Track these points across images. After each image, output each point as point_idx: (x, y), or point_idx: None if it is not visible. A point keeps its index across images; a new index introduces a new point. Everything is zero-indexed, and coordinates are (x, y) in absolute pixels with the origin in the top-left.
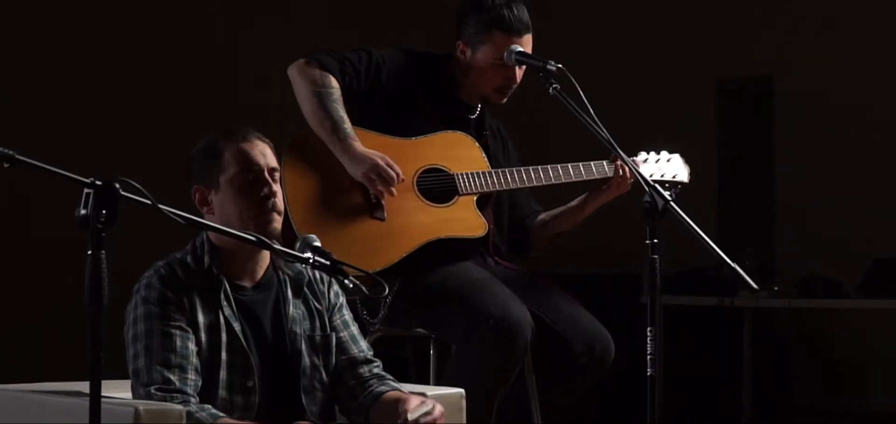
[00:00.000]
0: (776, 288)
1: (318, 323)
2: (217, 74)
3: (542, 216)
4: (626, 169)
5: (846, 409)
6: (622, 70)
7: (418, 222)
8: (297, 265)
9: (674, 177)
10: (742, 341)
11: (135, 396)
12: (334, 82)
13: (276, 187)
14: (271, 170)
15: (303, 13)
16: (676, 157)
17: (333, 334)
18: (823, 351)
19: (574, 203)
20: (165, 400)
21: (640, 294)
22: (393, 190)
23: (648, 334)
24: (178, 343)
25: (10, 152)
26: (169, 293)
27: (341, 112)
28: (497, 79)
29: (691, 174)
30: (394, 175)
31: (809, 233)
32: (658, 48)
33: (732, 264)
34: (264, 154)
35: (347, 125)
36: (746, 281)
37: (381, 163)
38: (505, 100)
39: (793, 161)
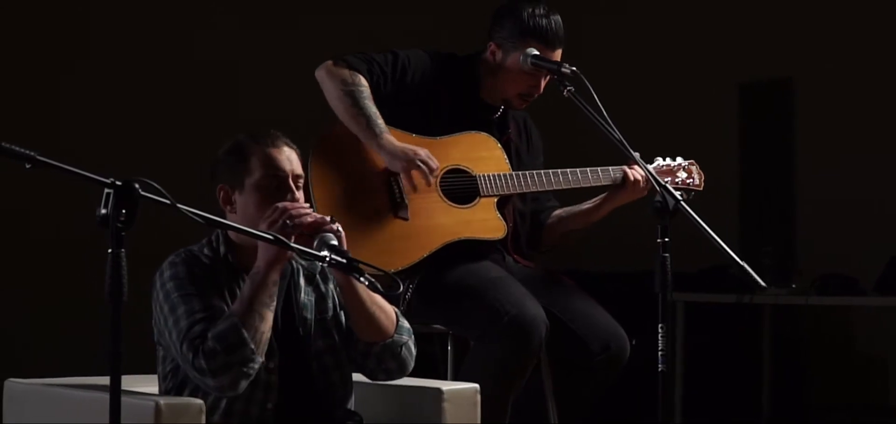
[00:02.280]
0: (794, 286)
1: (328, 304)
2: (222, 78)
3: (557, 213)
4: (641, 172)
5: (864, 405)
6: (644, 74)
7: (440, 223)
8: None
9: (688, 183)
10: (761, 338)
11: (180, 351)
12: (364, 81)
13: (299, 194)
14: (296, 177)
15: (306, 16)
16: (691, 164)
17: (342, 311)
18: (841, 348)
19: (589, 204)
20: (210, 328)
21: None
22: (430, 179)
23: (659, 330)
24: (213, 299)
25: (32, 153)
26: (195, 269)
27: (374, 108)
28: (522, 85)
29: (706, 181)
30: (434, 166)
31: (828, 232)
32: (679, 52)
33: (740, 261)
34: (290, 159)
35: (381, 120)
36: (754, 279)
37: (422, 153)
38: (525, 106)
39: (812, 161)
